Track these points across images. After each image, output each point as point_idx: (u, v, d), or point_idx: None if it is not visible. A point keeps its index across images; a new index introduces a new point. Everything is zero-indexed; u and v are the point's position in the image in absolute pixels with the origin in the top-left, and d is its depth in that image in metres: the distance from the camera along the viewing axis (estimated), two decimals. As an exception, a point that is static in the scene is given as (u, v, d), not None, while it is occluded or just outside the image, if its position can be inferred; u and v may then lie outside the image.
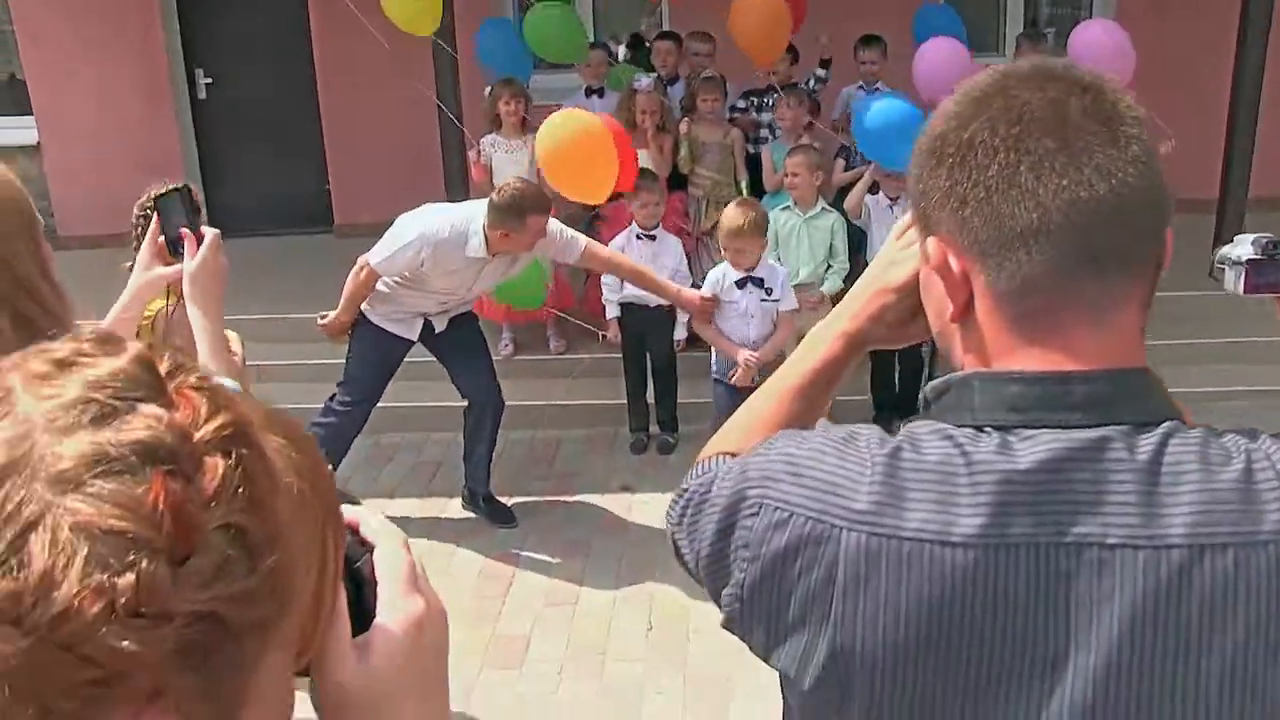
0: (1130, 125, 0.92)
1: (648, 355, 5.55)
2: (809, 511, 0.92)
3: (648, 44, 6.58)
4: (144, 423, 0.54)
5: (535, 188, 4.47)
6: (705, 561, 1.03)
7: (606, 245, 5.11)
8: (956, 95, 0.97)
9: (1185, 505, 0.87)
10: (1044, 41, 6.78)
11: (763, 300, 4.71)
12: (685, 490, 1.10)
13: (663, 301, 5.17)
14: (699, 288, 4.87)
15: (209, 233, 1.97)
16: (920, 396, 1.04)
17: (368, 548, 0.74)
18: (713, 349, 4.87)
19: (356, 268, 4.50)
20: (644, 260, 5.18)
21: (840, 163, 6.12)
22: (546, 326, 6.26)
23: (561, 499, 5.17)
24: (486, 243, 4.30)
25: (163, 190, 2.02)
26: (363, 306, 4.61)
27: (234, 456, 0.57)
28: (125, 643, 0.50)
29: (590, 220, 6.06)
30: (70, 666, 0.50)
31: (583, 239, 4.67)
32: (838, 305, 1.22)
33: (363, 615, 0.72)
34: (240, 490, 0.56)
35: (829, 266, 5.45)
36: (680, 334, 5.55)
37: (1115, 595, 0.87)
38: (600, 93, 6.43)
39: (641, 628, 4.13)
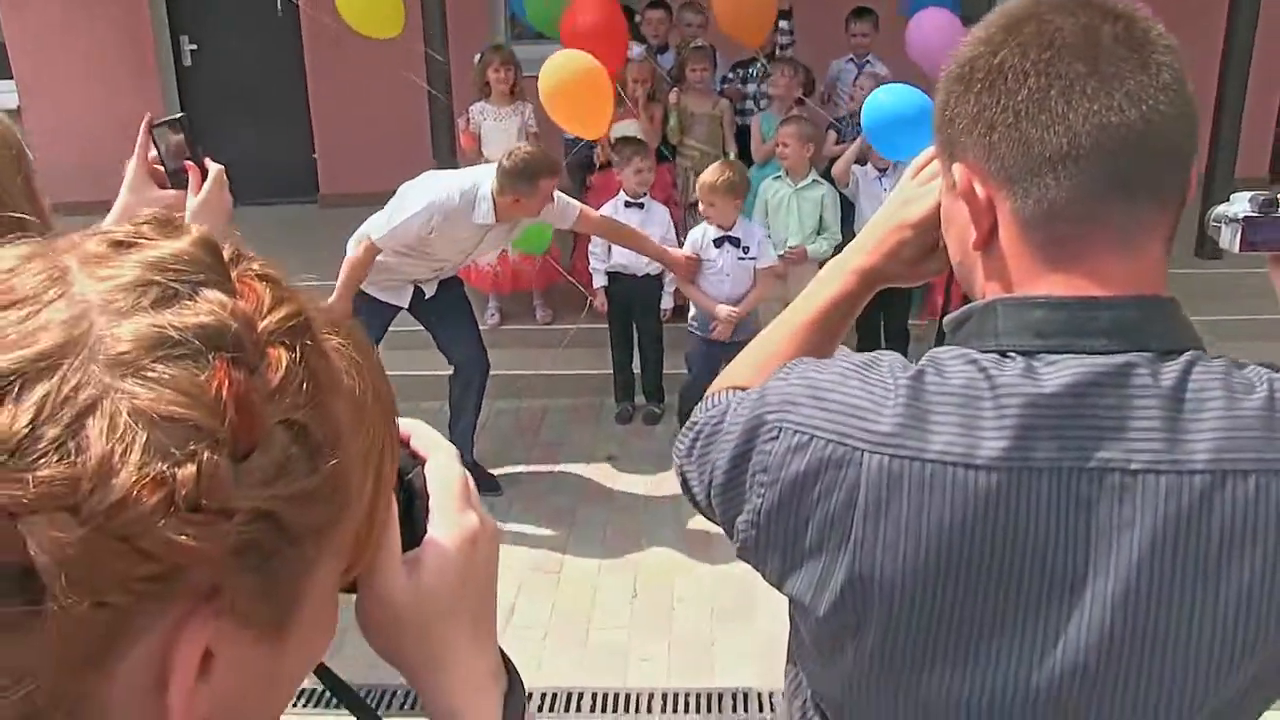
0: (1162, 53, 0.90)
1: (634, 325, 5.54)
2: (830, 434, 0.91)
3: (638, 14, 6.51)
4: (207, 307, 0.51)
5: (544, 151, 4.44)
6: (718, 490, 1.02)
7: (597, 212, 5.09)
8: (987, 21, 0.95)
9: (1209, 431, 0.86)
10: None
11: (740, 259, 4.90)
12: (695, 423, 1.09)
13: (651, 270, 5.23)
14: (685, 256, 4.94)
15: (213, 167, 1.91)
16: (937, 331, 1.03)
17: (419, 460, 0.71)
18: (690, 305, 5.07)
19: (355, 247, 4.37)
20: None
21: (832, 135, 6.10)
22: (533, 295, 6.23)
23: (547, 468, 5.16)
24: (495, 209, 4.26)
25: (162, 119, 1.96)
26: None
27: (298, 350, 0.53)
28: (183, 537, 0.48)
29: (581, 188, 6.04)
30: (126, 559, 0.47)
31: (576, 204, 4.66)
32: (854, 240, 1.21)
33: (413, 530, 0.69)
34: (304, 385, 0.53)
35: (819, 236, 5.45)
36: (667, 303, 5.55)
37: (1136, 521, 0.86)
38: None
39: (626, 595, 4.13)
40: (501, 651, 0.73)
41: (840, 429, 0.91)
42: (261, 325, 0.53)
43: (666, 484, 4.89)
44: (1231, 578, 0.86)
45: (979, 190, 0.94)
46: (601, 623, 3.98)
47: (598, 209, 5.33)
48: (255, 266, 0.56)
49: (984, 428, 0.87)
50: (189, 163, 1.88)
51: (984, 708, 0.91)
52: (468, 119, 6.02)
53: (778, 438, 0.94)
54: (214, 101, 8.37)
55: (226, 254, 0.55)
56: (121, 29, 8.15)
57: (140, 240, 0.54)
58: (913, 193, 1.15)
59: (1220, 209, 1.67)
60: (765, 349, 1.19)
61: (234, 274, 0.55)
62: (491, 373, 4.97)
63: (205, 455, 0.48)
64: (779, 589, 0.99)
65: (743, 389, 1.07)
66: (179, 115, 1.96)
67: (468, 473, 0.72)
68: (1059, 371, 0.88)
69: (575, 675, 3.69)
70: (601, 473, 5.09)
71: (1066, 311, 0.90)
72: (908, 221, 1.14)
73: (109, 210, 1.77)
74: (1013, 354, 0.90)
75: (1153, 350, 0.89)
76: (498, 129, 5.90)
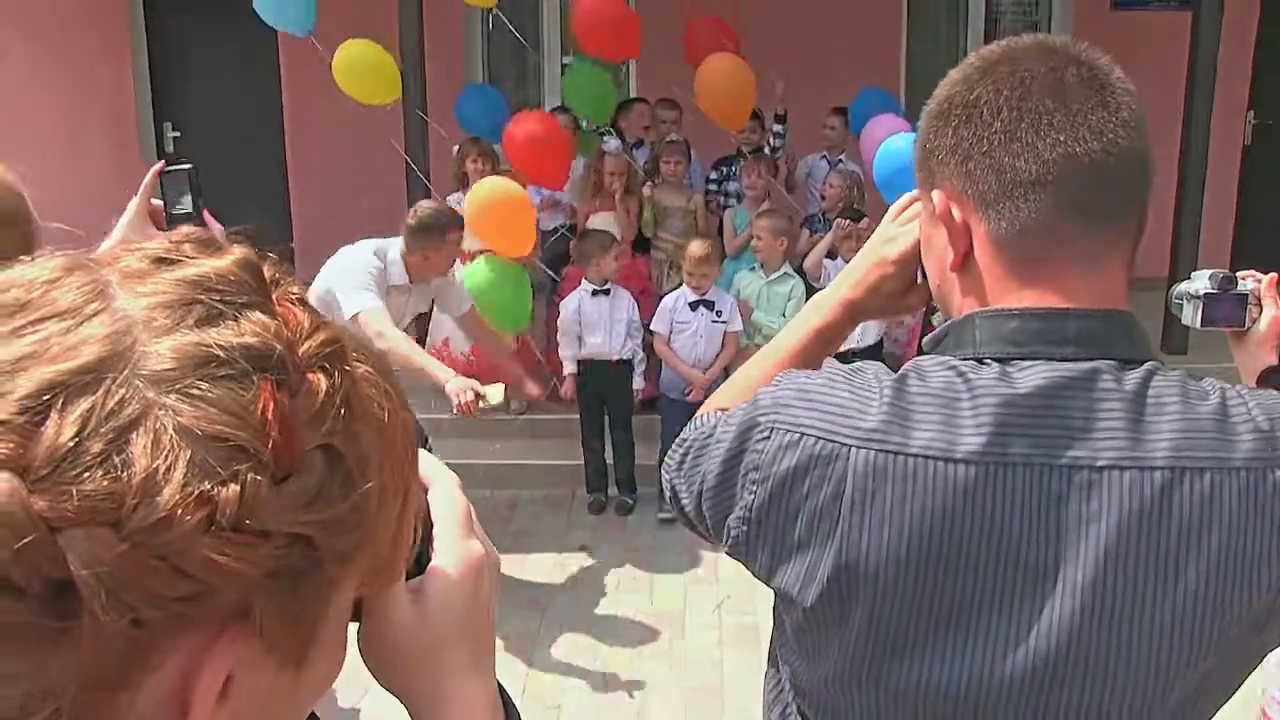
0: (1122, 94, 0.99)
1: (605, 414, 5.57)
2: (819, 432, 0.97)
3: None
4: (251, 329, 0.51)
5: (447, 206, 4.62)
6: (709, 493, 1.07)
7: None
8: (963, 64, 1.05)
9: (1167, 431, 0.93)
10: None
11: (713, 321, 5.30)
12: (684, 440, 1.15)
13: (624, 355, 5.38)
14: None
15: (216, 227, 1.97)
16: (917, 349, 1.07)
17: (423, 488, 0.71)
18: (662, 368, 5.38)
19: (380, 339, 4.00)
20: (600, 315, 5.37)
21: (805, 231, 6.20)
22: (506, 386, 6.23)
23: (518, 557, 5.12)
24: (406, 269, 4.38)
25: (171, 167, 2.02)
26: None
27: (335, 375, 0.54)
28: (222, 557, 0.47)
29: (556, 279, 6.11)
30: (165, 577, 0.47)
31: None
32: (838, 275, 1.28)
33: (417, 557, 0.68)
34: (340, 411, 0.53)
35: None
36: (639, 384, 5.58)
37: (1103, 514, 0.92)
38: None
39: (596, 685, 4.08)
40: (499, 683, 0.73)
41: (829, 427, 0.97)
42: (303, 349, 0.53)
43: (639, 575, 4.88)
44: (1190, 567, 0.92)
45: (956, 214, 1.02)
46: (571, 713, 3.92)
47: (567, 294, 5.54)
48: (294, 290, 0.57)
49: (962, 425, 0.93)
50: (211, 222, 1.97)
51: (961, 694, 0.95)
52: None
53: (769, 437, 1.00)
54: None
55: (267, 275, 0.56)
56: (108, 114, 8.25)
57: (182, 258, 0.54)
58: (894, 231, 1.22)
59: (1182, 286, 1.72)
60: (751, 374, 1.25)
61: (275, 295, 0.55)
62: (463, 461, 4.96)
63: (249, 476, 0.48)
64: (767, 583, 1.04)
65: (725, 409, 1.13)
66: (188, 166, 2.03)
67: (469, 504, 0.73)
68: (1031, 375, 0.95)
69: (542, 768, 3.62)
70: (573, 563, 5.06)
71: (1038, 322, 0.98)
72: (889, 258, 1.21)
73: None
74: (989, 361, 0.97)
75: (1116, 359, 0.97)
76: (475, 219, 5.97)
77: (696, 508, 1.10)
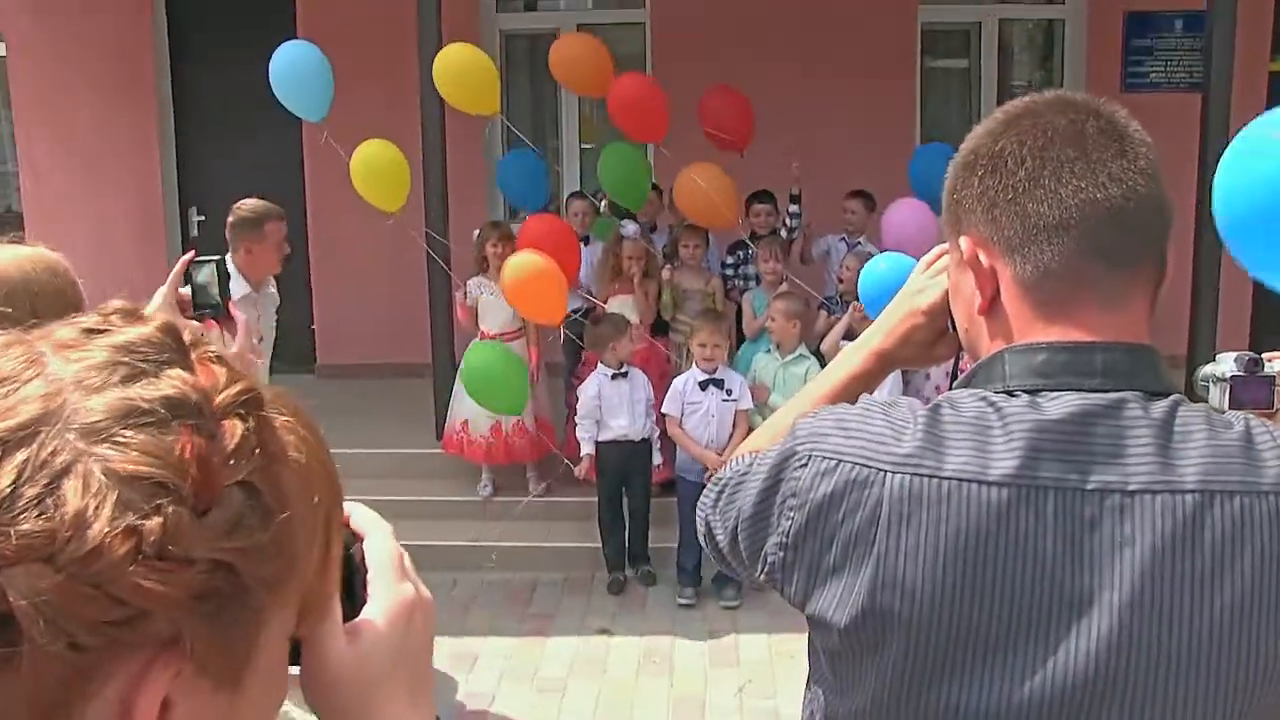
0: (1139, 145, 1.05)
1: (624, 494, 5.57)
2: (855, 458, 1.01)
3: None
4: (170, 382, 0.58)
5: (265, 202, 4.83)
6: (745, 524, 1.11)
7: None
8: (988, 119, 1.11)
9: (1196, 457, 0.97)
10: None
11: (723, 400, 5.29)
12: (720, 478, 1.20)
13: (646, 435, 5.41)
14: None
15: (239, 319, 2.04)
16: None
17: (358, 538, 0.78)
18: (677, 449, 5.36)
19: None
20: (619, 397, 5.41)
21: (823, 313, 6.21)
22: (527, 468, 6.25)
23: (538, 640, 5.09)
24: (242, 272, 4.56)
25: (200, 258, 2.09)
26: None
27: (250, 421, 0.61)
28: (149, 582, 0.53)
29: (576, 360, 6.16)
30: (98, 604, 0.52)
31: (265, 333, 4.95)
32: (870, 326, 1.34)
33: (353, 600, 0.74)
34: (255, 452, 0.60)
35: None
36: (657, 459, 5.60)
37: (1136, 538, 0.95)
38: (585, 240, 6.59)
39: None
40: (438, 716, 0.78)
41: (865, 453, 1.01)
42: (218, 399, 0.60)
43: (659, 658, 4.84)
44: (1224, 588, 0.94)
45: (983, 259, 1.07)
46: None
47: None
48: (212, 350, 0.64)
49: (994, 450, 0.97)
50: (235, 314, 2.04)
51: (999, 718, 0.96)
52: (465, 292, 6.15)
53: (806, 464, 1.04)
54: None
55: (187, 337, 0.63)
56: (132, 198, 8.40)
57: (108, 327, 0.62)
58: (923, 283, 1.27)
59: (1207, 369, 1.73)
60: (786, 419, 1.26)
61: (193, 355, 0.62)
62: (482, 543, 4.96)
63: (170, 509, 0.55)
64: (802, 609, 1.06)
65: (758, 451, 1.17)
66: (217, 258, 2.11)
67: (402, 551, 0.79)
68: (1061, 403, 0.99)
69: None
70: (593, 646, 5.02)
71: (1066, 354, 1.02)
72: (919, 308, 1.26)
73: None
74: (1019, 392, 1.01)
75: (1143, 390, 1.01)
76: (494, 304, 6.02)
77: (731, 540, 1.14)
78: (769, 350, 5.64)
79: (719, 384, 5.34)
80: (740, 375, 5.49)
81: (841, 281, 5.99)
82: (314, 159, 8.08)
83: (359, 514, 0.79)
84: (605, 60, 5.89)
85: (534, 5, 8.55)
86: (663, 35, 7.99)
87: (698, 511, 1.23)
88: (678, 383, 5.43)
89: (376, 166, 5.76)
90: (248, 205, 4.62)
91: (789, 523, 1.04)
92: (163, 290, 2.13)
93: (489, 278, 6.14)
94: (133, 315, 0.63)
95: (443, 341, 6.48)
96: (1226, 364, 1.70)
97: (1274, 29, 7.93)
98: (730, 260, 6.62)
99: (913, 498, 0.97)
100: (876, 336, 1.30)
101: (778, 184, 6.53)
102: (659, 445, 5.58)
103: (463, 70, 5.69)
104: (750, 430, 5.33)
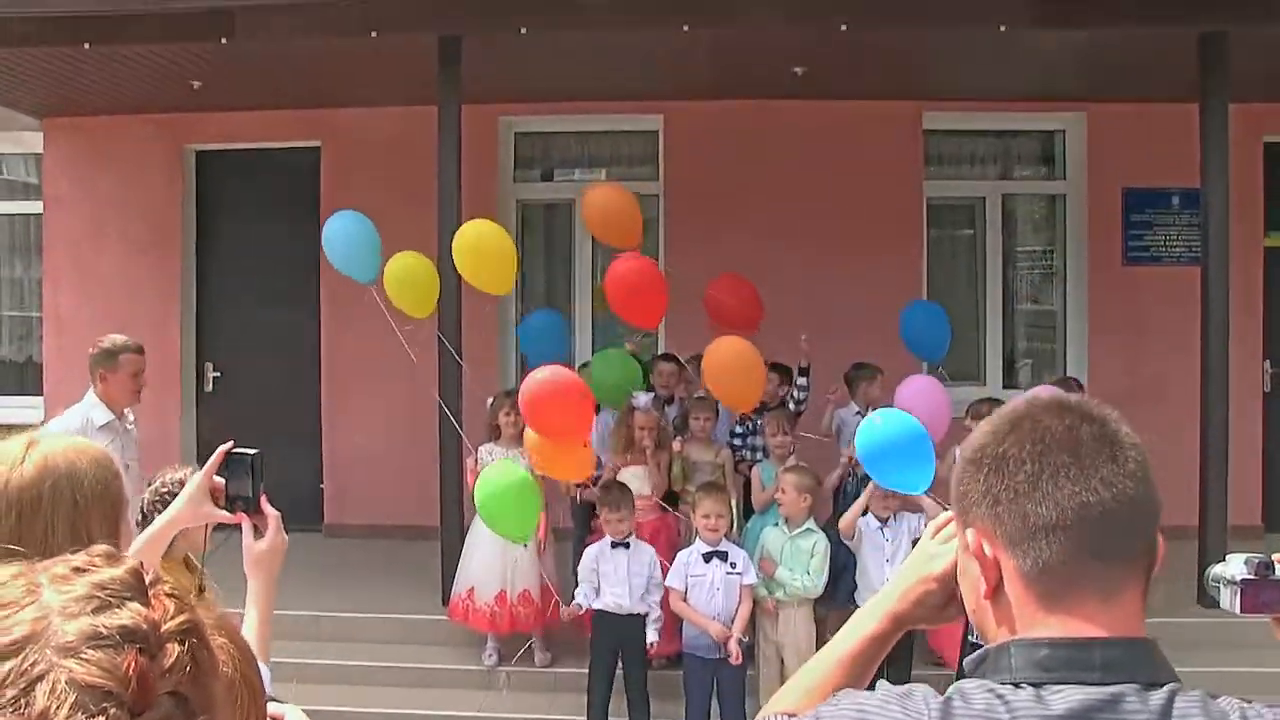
0: (1129, 449, 1.16)
1: (619, 667, 5.50)
2: None
3: (644, 362, 6.84)
4: (129, 614, 0.78)
5: (128, 338, 5.24)
6: None
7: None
8: (993, 418, 1.23)
9: None
10: (1073, 385, 7.07)
11: (728, 573, 5.29)
12: None
13: (637, 610, 5.38)
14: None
15: (271, 514, 2.09)
16: (961, 668, 1.16)
17: None
18: (683, 625, 5.37)
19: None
20: (617, 570, 5.43)
21: (832, 477, 6.18)
22: (532, 637, 6.17)
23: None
24: (102, 401, 4.89)
25: (237, 450, 2.14)
26: None
27: (187, 645, 0.80)
28: None
29: (586, 529, 6.16)
30: None
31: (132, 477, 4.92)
32: (885, 587, 1.43)
33: None
34: (188, 669, 0.79)
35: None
36: (652, 637, 5.49)
37: None
38: (597, 409, 6.64)
39: None
40: None
41: None
42: (165, 627, 0.80)
43: None
44: None
45: (988, 550, 1.17)
46: None
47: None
48: (167, 587, 0.84)
49: None
50: (267, 509, 2.11)
51: None
52: (475, 458, 6.19)
53: None
54: (231, 426, 8.51)
55: (149, 578, 0.83)
56: (150, 354, 8.47)
57: (91, 568, 0.82)
58: (935, 549, 1.36)
59: (1218, 569, 1.71)
60: (812, 677, 1.38)
61: (152, 592, 0.82)
62: (486, 714, 4.87)
63: (112, 710, 0.74)
64: None
65: (790, 714, 1.28)
66: (255, 451, 2.16)
67: None
68: (1064, 699, 1.06)
69: None
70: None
71: (1067, 650, 1.10)
72: (932, 575, 1.35)
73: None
74: (1024, 685, 1.09)
75: (1139, 682, 1.08)
76: (505, 471, 6.06)
77: None
78: (777, 523, 5.63)
79: (723, 556, 5.33)
80: (743, 550, 5.48)
81: (851, 459, 5.95)
82: (330, 321, 8.23)
83: (290, 716, 0.99)
84: (634, 212, 6.14)
85: (550, 176, 8.83)
86: (676, 205, 8.24)
87: None
88: (681, 556, 5.44)
89: (408, 278, 5.97)
90: (108, 338, 5.10)
91: None
92: (196, 478, 2.18)
93: (500, 445, 6.18)
94: (112, 558, 0.84)
95: (452, 505, 6.49)
96: (1237, 566, 1.69)
97: (1266, 207, 8.14)
98: (739, 430, 6.67)
99: None
100: (892, 599, 1.38)
101: (788, 355, 6.62)
102: (659, 625, 5.47)
103: (481, 250, 5.89)
104: (754, 605, 5.36)
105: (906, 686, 1.16)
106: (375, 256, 6.09)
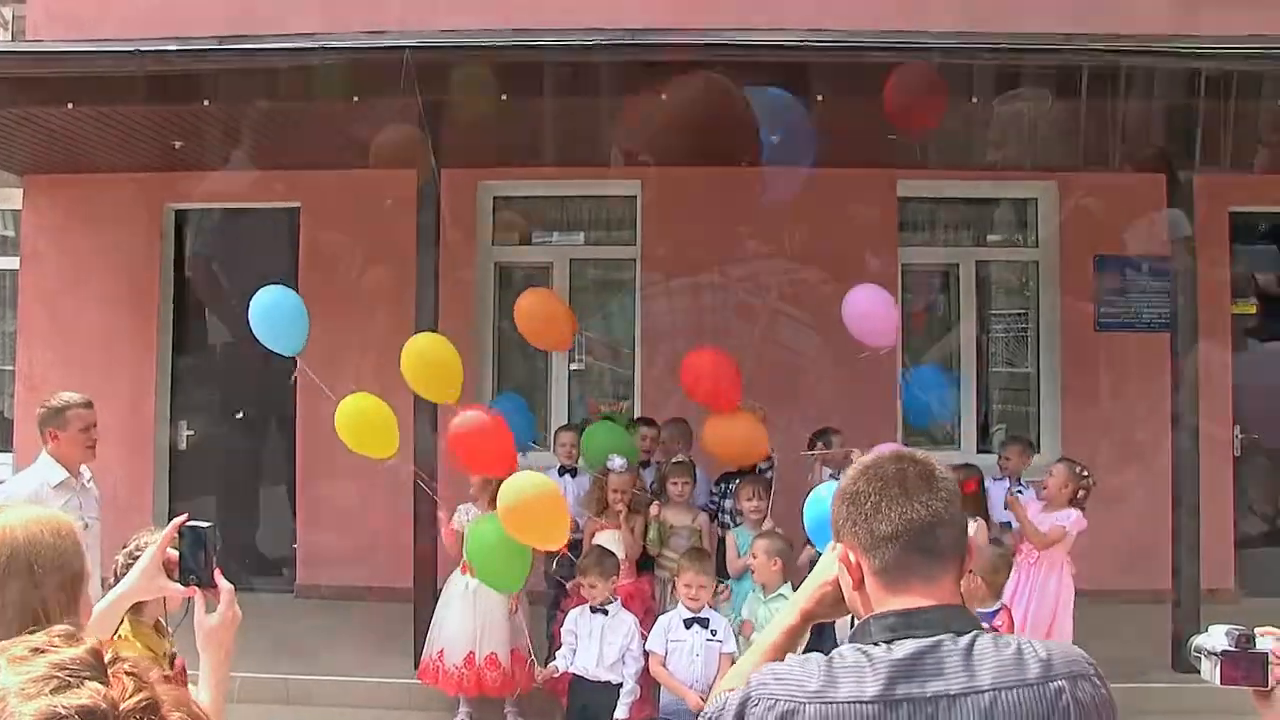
0: (941, 481, 1.65)
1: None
2: (786, 698, 1.54)
3: (625, 426, 6.83)
4: (88, 694, 0.80)
5: (78, 395, 5.12)
6: None
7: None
8: (853, 467, 1.72)
9: (988, 668, 1.52)
10: (1030, 449, 7.23)
11: (708, 640, 5.29)
12: (706, 714, 1.65)
13: (611, 678, 5.31)
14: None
15: (224, 587, 2.08)
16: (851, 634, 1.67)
17: None
18: (660, 691, 5.35)
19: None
20: (594, 635, 5.37)
21: (807, 548, 6.16)
22: (504, 703, 6.09)
23: None
24: (55, 460, 4.84)
25: (195, 523, 2.14)
26: None
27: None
28: None
29: (556, 598, 6.11)
30: None
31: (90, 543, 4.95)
32: (797, 591, 1.88)
33: None
34: None
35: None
36: (621, 713, 5.37)
37: None
38: (573, 472, 6.62)
39: None
40: None
41: (790, 693, 1.54)
42: (123, 705, 0.81)
43: None
44: None
45: (852, 558, 1.67)
46: None
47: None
48: (126, 665, 0.86)
49: (867, 680, 1.51)
50: (221, 582, 2.10)
51: None
52: (449, 516, 6.14)
53: (758, 705, 1.55)
54: (202, 485, 8.56)
55: (108, 656, 0.85)
56: (124, 412, 8.45)
57: (50, 648, 0.84)
58: (829, 560, 1.78)
59: (1199, 640, 1.71)
60: (747, 662, 1.84)
61: (110, 670, 0.83)
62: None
63: None
64: None
65: (732, 689, 1.63)
66: (207, 525, 2.15)
67: None
68: (903, 648, 1.54)
69: None
70: None
71: (904, 617, 1.58)
72: (828, 580, 1.79)
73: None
74: (880, 643, 1.56)
75: (953, 631, 1.56)
76: (480, 530, 6.01)
77: None
78: (754, 589, 5.62)
79: (704, 623, 5.30)
80: (725, 617, 5.45)
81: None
82: (305, 382, 8.20)
83: None
84: (565, 320, 6.39)
85: (529, 239, 8.88)
86: (652, 270, 8.31)
87: None
88: (663, 620, 5.39)
89: (366, 420, 5.91)
90: (56, 396, 5.04)
91: None
92: (151, 550, 2.18)
93: (478, 505, 6.14)
94: (71, 638, 0.86)
95: (425, 567, 6.45)
96: (1218, 637, 1.68)
97: (1230, 275, 8.29)
98: (715, 490, 6.67)
99: (821, 717, 1.50)
100: (802, 599, 1.85)
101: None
102: (631, 699, 5.38)
103: (429, 362, 5.98)
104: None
105: (807, 654, 1.61)
106: (301, 330, 6.13)
